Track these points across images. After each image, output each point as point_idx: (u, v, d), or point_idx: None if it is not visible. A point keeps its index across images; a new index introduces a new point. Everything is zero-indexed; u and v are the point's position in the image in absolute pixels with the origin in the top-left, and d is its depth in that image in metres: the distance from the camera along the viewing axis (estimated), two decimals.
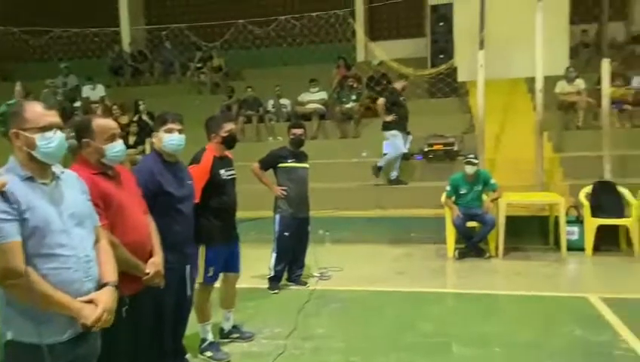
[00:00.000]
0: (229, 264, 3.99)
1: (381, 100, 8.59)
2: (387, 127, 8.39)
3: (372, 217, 7.71)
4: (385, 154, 8.42)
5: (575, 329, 4.14)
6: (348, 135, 10.00)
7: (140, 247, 2.64)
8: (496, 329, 4.27)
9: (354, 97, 10.07)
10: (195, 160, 3.82)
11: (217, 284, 3.97)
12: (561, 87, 9.11)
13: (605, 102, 7.48)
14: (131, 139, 9.53)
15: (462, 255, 6.48)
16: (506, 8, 9.21)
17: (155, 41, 13.29)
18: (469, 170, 6.57)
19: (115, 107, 10.69)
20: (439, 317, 4.62)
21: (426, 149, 8.73)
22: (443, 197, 6.75)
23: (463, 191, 6.64)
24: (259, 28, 11.17)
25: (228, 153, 4.04)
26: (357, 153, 9.30)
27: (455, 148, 8.55)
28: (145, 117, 10.37)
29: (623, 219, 6.38)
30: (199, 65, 12.48)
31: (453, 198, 6.67)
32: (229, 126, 3.98)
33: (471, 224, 6.61)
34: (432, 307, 4.90)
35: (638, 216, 6.22)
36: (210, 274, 3.82)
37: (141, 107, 10.56)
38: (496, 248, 6.52)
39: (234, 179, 4.00)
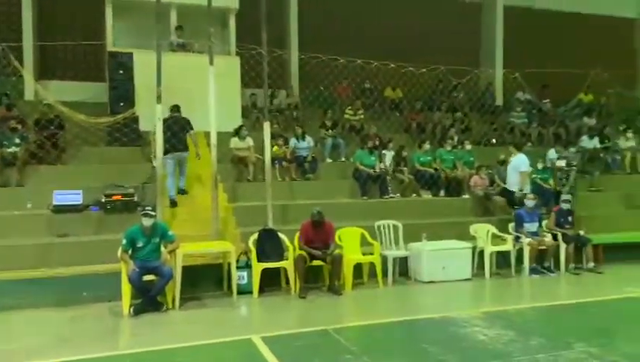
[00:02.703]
0: None
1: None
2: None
3: (36, 278, 6.78)
4: None
5: None
6: (9, 183, 8.67)
7: None
8: None
9: (17, 141, 8.86)
10: None
11: None
12: (234, 142, 10.07)
13: (267, 158, 8.59)
14: None
15: (138, 311, 6.29)
16: (182, 67, 9.80)
17: None
18: (146, 222, 6.53)
19: None
20: None
21: (103, 200, 8.28)
22: (119, 252, 6.50)
23: (140, 245, 6.53)
24: None
25: None
26: (21, 204, 8.14)
27: (135, 199, 8.37)
28: None
29: (283, 262, 7.35)
30: None
31: (130, 252, 6.49)
32: None
33: (148, 277, 6.51)
34: None
35: (294, 258, 7.27)
36: None
37: None
38: (174, 300, 6.60)
39: None
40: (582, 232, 8.86)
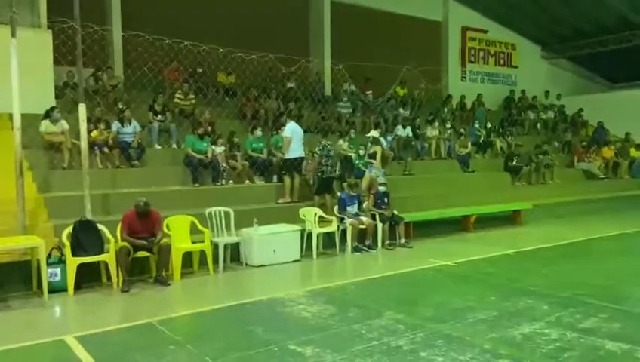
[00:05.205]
0: None
1: None
2: None
3: None
4: None
5: None
6: None
7: None
8: None
9: None
10: None
11: None
12: (46, 126, 9.05)
13: (84, 143, 7.86)
14: None
15: None
16: None
17: None
18: None
19: None
20: None
21: None
22: None
23: None
24: None
25: None
26: None
27: None
28: None
29: (102, 255, 6.85)
30: None
31: None
32: None
33: None
34: None
35: (116, 251, 6.82)
36: None
37: None
38: None
39: None
40: (395, 212, 9.84)
